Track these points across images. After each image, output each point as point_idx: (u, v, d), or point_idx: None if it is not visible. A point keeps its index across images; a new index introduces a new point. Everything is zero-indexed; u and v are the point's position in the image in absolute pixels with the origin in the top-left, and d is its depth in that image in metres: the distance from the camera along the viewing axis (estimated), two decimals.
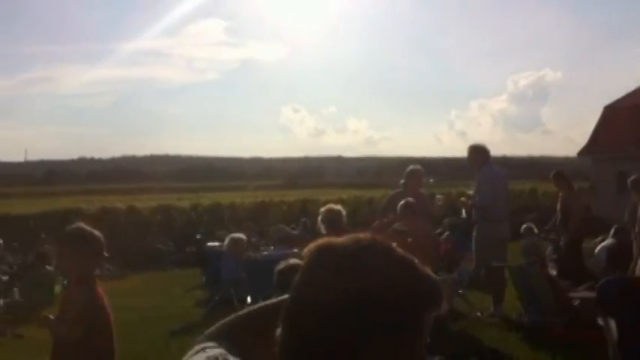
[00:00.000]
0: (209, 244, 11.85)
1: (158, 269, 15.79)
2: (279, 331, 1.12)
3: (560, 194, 9.85)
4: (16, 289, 10.78)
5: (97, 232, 3.96)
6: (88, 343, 3.65)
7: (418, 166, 8.57)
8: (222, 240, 12.26)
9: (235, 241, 9.32)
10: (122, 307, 10.43)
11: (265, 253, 8.71)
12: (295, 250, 7.60)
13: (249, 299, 7.90)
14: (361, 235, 1.13)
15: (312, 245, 1.14)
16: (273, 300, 1.44)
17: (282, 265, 5.27)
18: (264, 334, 1.26)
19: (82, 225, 3.93)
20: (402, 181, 8.47)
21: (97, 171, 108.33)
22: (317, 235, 9.71)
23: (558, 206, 9.73)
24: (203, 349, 1.30)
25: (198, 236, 16.56)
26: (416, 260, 1.13)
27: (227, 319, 1.44)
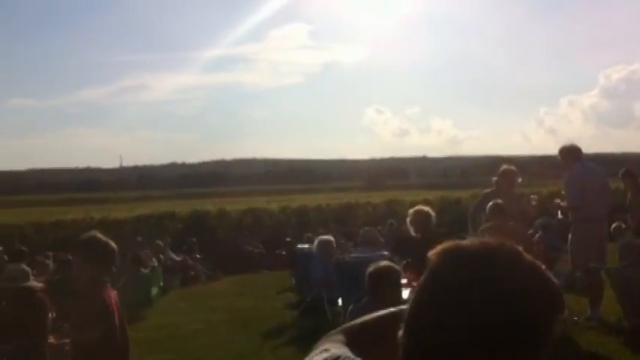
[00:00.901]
0: (299, 246, 11.97)
1: (248, 271, 16.08)
2: (401, 333, 1.12)
3: (629, 193, 9.46)
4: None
5: (107, 241, 4.15)
6: (102, 346, 3.79)
7: (512, 167, 8.37)
8: (310, 242, 12.38)
9: (324, 244, 9.39)
10: (215, 308, 10.78)
11: (354, 255, 8.72)
12: (385, 253, 7.59)
13: (339, 301, 7.95)
14: (489, 239, 1.13)
15: (439, 248, 1.14)
16: (394, 308, 1.45)
17: (372, 267, 5.29)
18: (385, 339, 1.27)
19: (95, 234, 4.11)
20: (495, 178, 8.30)
21: (187, 175, 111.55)
22: (404, 236, 9.65)
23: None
24: (326, 350, 1.31)
25: (288, 239, 16.75)
26: (543, 265, 1.12)
27: (349, 323, 1.46)
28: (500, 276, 1.06)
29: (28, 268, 8.35)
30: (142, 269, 11.66)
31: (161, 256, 14.46)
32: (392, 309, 1.45)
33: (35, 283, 7.70)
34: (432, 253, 1.14)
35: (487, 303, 1.03)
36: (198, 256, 16.51)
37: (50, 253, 13.74)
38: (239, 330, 8.87)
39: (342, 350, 1.30)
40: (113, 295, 4.11)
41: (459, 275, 1.07)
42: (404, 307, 1.20)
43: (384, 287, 5.22)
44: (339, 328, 1.44)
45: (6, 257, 12.16)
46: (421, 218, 6.48)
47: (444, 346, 1.05)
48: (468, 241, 1.14)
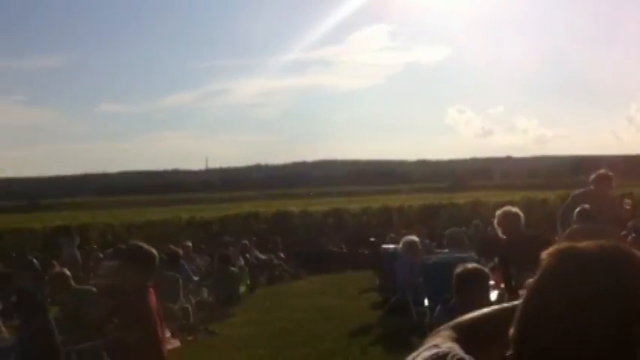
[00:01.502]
0: (383, 246, 11.99)
1: (331, 271, 16.20)
2: (512, 332, 1.14)
3: None
4: (204, 289, 11.58)
5: (149, 249, 4.49)
6: (142, 344, 4.21)
7: (609, 172, 8.15)
8: (393, 242, 12.36)
9: (410, 244, 9.37)
10: (301, 307, 10.94)
11: (441, 256, 8.65)
12: (472, 254, 7.51)
13: (425, 302, 7.93)
14: (603, 241, 1.13)
15: (553, 249, 1.15)
16: (506, 304, 1.46)
17: (460, 269, 5.27)
18: (495, 336, 1.29)
19: (138, 243, 4.31)
20: (593, 176, 8.06)
21: (271, 177, 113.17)
22: (491, 238, 9.50)
23: None
24: (435, 346, 1.32)
25: (372, 239, 16.78)
26: None
27: (457, 319, 1.46)
28: (615, 277, 1.06)
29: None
30: (231, 268, 11.97)
31: (247, 255, 14.78)
32: (504, 305, 1.45)
33: None
34: (546, 254, 1.15)
35: (601, 303, 1.04)
36: (282, 255, 16.77)
37: None
38: (326, 328, 8.98)
39: (451, 346, 1.31)
40: (153, 298, 4.42)
41: (573, 276, 1.08)
42: (514, 303, 1.22)
43: (472, 289, 5.18)
44: (448, 325, 1.44)
45: (101, 255, 12.75)
46: (510, 220, 6.37)
47: (557, 344, 1.05)
48: (583, 244, 1.13)
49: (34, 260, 13.96)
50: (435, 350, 1.30)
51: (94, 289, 7.72)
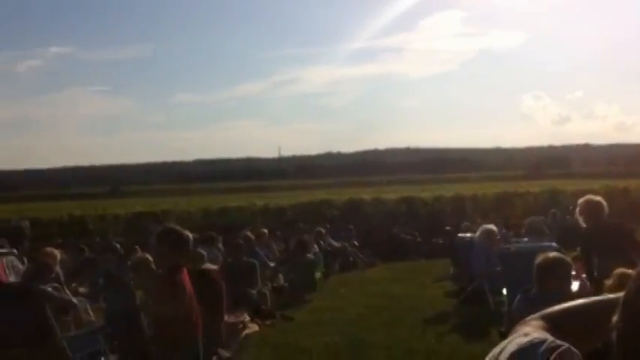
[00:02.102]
0: (459, 235, 11.87)
1: (405, 259, 16.17)
2: (616, 326, 1.09)
3: None
4: (280, 275, 11.78)
5: (180, 231, 4.74)
6: (177, 319, 4.48)
7: None
8: (468, 231, 12.22)
9: (488, 233, 9.26)
10: (375, 294, 10.99)
11: (520, 245, 8.52)
12: (552, 244, 7.37)
13: (504, 291, 7.83)
14: None
15: None
16: (611, 295, 1.42)
17: (541, 258, 5.19)
18: (587, 329, 1.28)
19: (170, 225, 4.47)
20: None
21: (342, 164, 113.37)
22: (571, 226, 9.28)
23: None
24: (525, 334, 1.29)
25: (447, 227, 16.63)
26: None
27: (547, 310, 1.41)
28: None
29: (203, 251, 8.95)
30: (308, 254, 12.12)
31: (321, 242, 14.92)
32: (599, 297, 1.40)
33: (211, 266, 8.29)
34: None
35: None
36: (355, 242, 16.83)
37: (220, 237, 14.66)
38: (400, 316, 9.00)
39: (545, 335, 1.27)
40: (185, 276, 4.63)
41: None
42: (611, 296, 1.19)
43: (553, 278, 5.10)
44: (538, 314, 1.39)
45: None
46: (593, 208, 6.21)
47: None
48: None
49: (117, 245, 14.52)
50: (528, 338, 1.26)
51: None
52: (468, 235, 11.03)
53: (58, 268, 8.27)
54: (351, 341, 7.63)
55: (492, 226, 9.65)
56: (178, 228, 4.88)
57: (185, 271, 4.73)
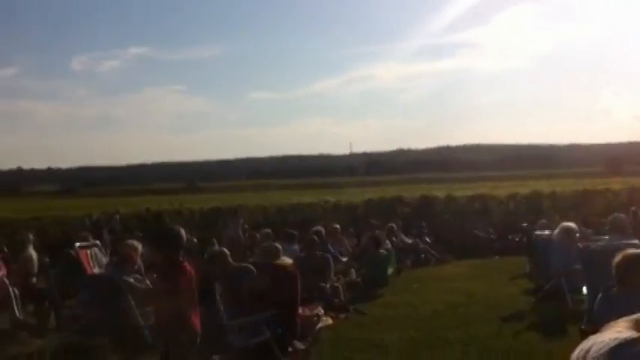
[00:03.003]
0: (537, 232, 11.59)
1: (478, 256, 15.93)
2: None
3: None
4: (353, 270, 11.81)
5: (176, 230, 5.05)
6: (183, 306, 4.81)
7: None
8: (544, 228, 11.92)
9: (567, 230, 9.02)
10: (450, 291, 10.89)
11: (602, 243, 8.26)
12: (636, 241, 7.12)
13: (584, 290, 7.62)
14: None
15: None
16: None
17: (621, 256, 5.05)
18: None
19: (166, 226, 4.71)
20: None
21: (414, 161, 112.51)
22: None
23: None
24: (621, 332, 1.27)
25: (524, 224, 16.30)
26: None
27: (637, 314, 1.34)
28: None
29: (279, 246, 9.07)
30: (380, 250, 12.12)
31: (393, 238, 14.87)
32: None
33: (287, 259, 8.41)
34: None
35: None
36: (428, 239, 16.70)
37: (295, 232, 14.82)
38: (476, 313, 8.88)
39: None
40: (189, 268, 4.92)
41: None
42: None
43: (635, 276, 4.97)
44: (626, 318, 1.34)
45: (257, 235, 13.35)
46: None
47: None
48: None
49: (195, 239, 14.89)
50: (625, 335, 1.23)
51: (252, 267, 8.12)
52: (546, 232, 10.76)
53: (139, 261, 8.58)
54: (426, 337, 7.59)
55: (572, 224, 9.39)
56: (175, 227, 5.25)
57: (185, 266, 4.94)
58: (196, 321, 5.06)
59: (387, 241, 13.71)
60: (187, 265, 5.03)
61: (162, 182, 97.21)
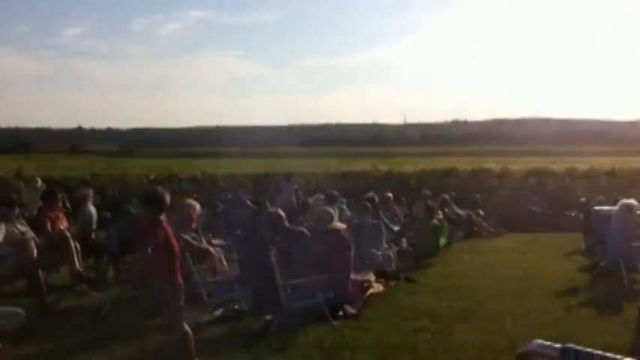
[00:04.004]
0: (595, 208, 11.35)
1: (532, 231, 15.75)
2: None
3: None
4: (404, 239, 11.82)
5: (159, 191, 5.60)
6: (163, 257, 5.29)
7: None
8: (602, 205, 11.68)
9: (628, 207, 8.82)
10: (501, 264, 10.83)
11: None
12: None
13: None
14: None
15: None
16: None
17: None
18: None
19: (151, 187, 5.20)
20: None
21: (469, 133, 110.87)
22: None
23: None
24: None
25: (582, 199, 15.99)
26: None
27: None
28: None
29: (332, 211, 9.12)
30: (433, 220, 12.10)
31: (446, 209, 14.80)
32: None
33: (340, 224, 8.47)
34: None
35: None
36: (481, 212, 16.55)
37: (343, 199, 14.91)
38: (529, 286, 8.83)
39: None
40: (166, 225, 5.46)
41: None
42: None
43: None
44: None
45: (310, 200, 13.45)
46: None
47: None
48: None
49: (248, 201, 15.11)
50: None
51: (306, 231, 8.23)
52: (606, 208, 10.53)
53: (196, 221, 8.76)
54: (477, 307, 7.60)
55: (632, 201, 9.17)
56: (159, 189, 5.73)
57: (163, 223, 5.46)
58: (175, 274, 5.49)
59: (440, 212, 13.67)
60: (165, 224, 5.51)
61: (215, 146, 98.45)
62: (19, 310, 3.82)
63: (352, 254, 7.86)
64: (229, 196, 17.55)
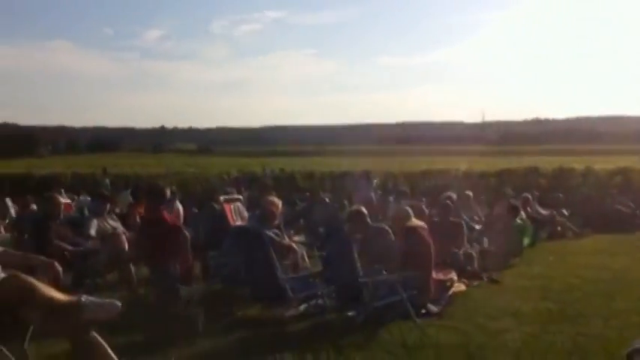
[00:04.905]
0: None
1: (620, 231, 15.19)
2: None
3: None
4: (486, 239, 11.64)
5: (159, 187, 6.12)
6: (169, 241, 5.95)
7: None
8: None
9: None
10: (588, 265, 10.53)
11: None
12: None
13: None
14: None
15: None
16: None
17: None
18: None
19: (152, 182, 5.72)
20: None
21: (551, 131, 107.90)
22: None
23: None
24: None
25: None
26: None
27: None
28: None
29: (411, 210, 9.08)
30: (517, 219, 11.88)
31: (528, 209, 14.48)
32: None
33: (418, 222, 8.42)
34: None
35: None
36: (565, 212, 16.12)
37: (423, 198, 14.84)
38: (618, 288, 8.52)
39: None
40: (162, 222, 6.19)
41: None
42: None
43: None
44: None
45: (391, 198, 13.44)
46: None
47: None
48: None
49: (327, 199, 15.25)
50: None
51: (387, 228, 8.25)
52: None
53: (279, 217, 8.92)
54: (563, 309, 7.41)
55: None
56: (160, 185, 6.19)
57: (163, 217, 6.05)
58: (181, 258, 6.38)
59: (522, 212, 13.40)
60: (166, 215, 6.09)
61: (291, 145, 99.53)
62: (116, 301, 3.99)
63: (433, 253, 7.81)
64: (307, 194, 17.76)
